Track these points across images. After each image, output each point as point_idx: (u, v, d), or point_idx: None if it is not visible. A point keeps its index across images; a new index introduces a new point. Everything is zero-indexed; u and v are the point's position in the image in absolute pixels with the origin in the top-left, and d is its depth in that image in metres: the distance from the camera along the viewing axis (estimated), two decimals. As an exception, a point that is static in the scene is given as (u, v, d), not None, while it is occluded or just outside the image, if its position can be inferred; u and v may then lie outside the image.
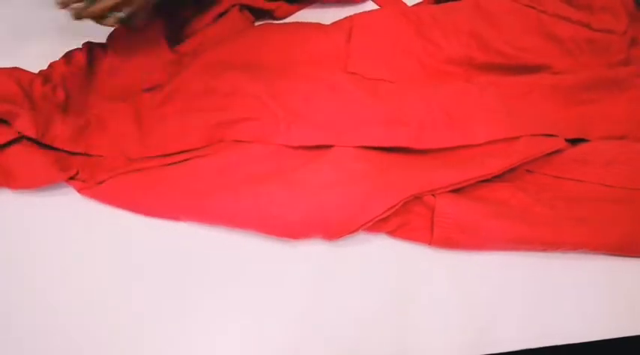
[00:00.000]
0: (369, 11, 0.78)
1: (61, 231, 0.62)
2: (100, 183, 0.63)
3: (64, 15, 0.61)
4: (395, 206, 0.60)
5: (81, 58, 0.70)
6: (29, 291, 0.59)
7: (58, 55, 0.70)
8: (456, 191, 0.62)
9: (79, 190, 0.63)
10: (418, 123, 0.66)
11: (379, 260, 0.61)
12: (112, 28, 0.71)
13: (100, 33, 0.70)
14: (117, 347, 0.56)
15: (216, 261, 0.61)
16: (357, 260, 0.61)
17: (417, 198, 0.61)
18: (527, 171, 0.65)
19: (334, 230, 0.60)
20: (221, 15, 0.77)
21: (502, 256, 0.61)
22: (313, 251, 0.61)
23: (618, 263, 0.61)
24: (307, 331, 0.57)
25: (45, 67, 0.69)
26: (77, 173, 0.63)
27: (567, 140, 0.66)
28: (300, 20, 0.80)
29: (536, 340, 0.57)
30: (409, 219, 0.62)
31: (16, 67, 0.68)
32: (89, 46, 0.71)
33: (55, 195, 0.64)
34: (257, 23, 0.79)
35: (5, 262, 0.61)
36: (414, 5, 0.80)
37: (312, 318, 0.58)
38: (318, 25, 0.77)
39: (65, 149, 0.64)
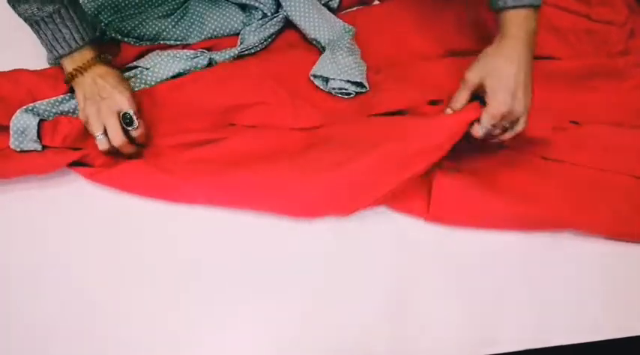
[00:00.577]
0: (372, 5, 0.79)
1: (66, 226, 0.62)
2: (111, 166, 0.63)
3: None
4: (405, 180, 0.59)
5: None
6: (31, 289, 0.58)
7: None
8: (454, 169, 0.63)
9: (89, 176, 0.63)
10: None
11: (379, 263, 0.61)
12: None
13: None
14: (117, 345, 0.56)
15: (219, 262, 0.60)
16: (358, 264, 0.61)
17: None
18: (527, 152, 0.66)
19: (347, 206, 0.60)
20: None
21: (503, 258, 0.61)
22: (313, 252, 0.61)
23: (620, 264, 0.61)
24: (308, 330, 0.57)
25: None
26: (84, 156, 0.63)
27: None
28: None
29: (537, 340, 0.57)
30: (408, 192, 0.62)
31: (17, 69, 0.68)
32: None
33: (59, 190, 0.64)
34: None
35: (7, 260, 0.60)
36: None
37: (314, 318, 0.58)
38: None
39: (75, 147, 0.64)
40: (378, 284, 0.60)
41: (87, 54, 0.63)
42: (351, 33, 0.74)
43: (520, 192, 0.61)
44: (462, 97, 0.61)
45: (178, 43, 0.76)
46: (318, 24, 0.74)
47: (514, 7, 0.58)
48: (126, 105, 0.61)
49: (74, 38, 0.61)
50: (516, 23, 0.58)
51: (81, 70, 0.62)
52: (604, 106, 0.69)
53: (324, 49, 0.73)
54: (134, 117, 0.62)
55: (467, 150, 0.63)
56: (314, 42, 0.75)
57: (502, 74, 0.58)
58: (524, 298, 0.59)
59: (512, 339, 0.57)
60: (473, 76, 0.60)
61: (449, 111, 0.61)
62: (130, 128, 0.62)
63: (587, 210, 0.61)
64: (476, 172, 0.63)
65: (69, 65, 0.63)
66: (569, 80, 0.70)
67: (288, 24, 0.78)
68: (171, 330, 0.57)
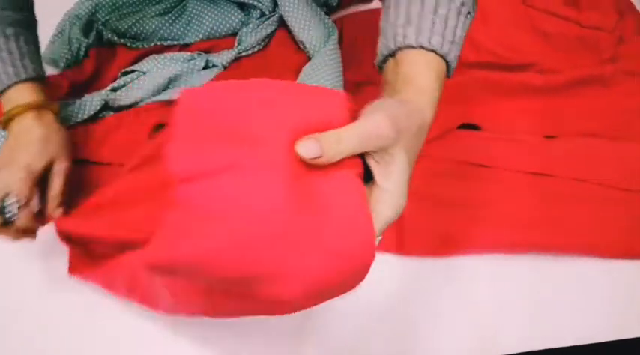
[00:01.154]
0: (358, 11, 0.78)
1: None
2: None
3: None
4: None
5: (88, 67, 0.71)
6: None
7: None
8: (426, 198, 0.61)
9: (71, 270, 0.56)
10: None
11: (380, 265, 0.59)
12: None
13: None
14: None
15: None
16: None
17: None
18: (504, 167, 0.65)
19: None
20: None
21: (505, 260, 0.61)
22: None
23: (622, 265, 0.61)
24: (309, 335, 0.57)
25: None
26: None
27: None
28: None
29: (540, 342, 0.57)
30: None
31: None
32: (96, 52, 0.72)
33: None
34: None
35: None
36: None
37: (314, 323, 0.58)
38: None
39: None
40: (379, 289, 0.59)
41: (22, 96, 0.54)
42: (334, 35, 0.73)
43: (502, 213, 0.62)
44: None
45: (175, 42, 0.76)
46: (307, 26, 0.74)
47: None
48: (11, 188, 0.51)
49: (7, 72, 0.54)
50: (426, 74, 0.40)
51: (10, 116, 0.54)
52: (588, 113, 0.70)
53: (309, 53, 0.73)
54: (9, 207, 0.51)
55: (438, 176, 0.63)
56: (301, 45, 0.75)
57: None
58: (526, 301, 0.59)
59: (512, 341, 0.57)
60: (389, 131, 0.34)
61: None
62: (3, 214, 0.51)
63: (574, 230, 0.61)
64: (450, 197, 0.63)
65: (6, 104, 0.55)
66: (554, 88, 0.70)
67: (282, 22, 0.78)
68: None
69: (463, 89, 0.70)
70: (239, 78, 0.34)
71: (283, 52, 0.75)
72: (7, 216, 0.51)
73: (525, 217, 0.62)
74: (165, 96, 0.70)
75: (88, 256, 0.57)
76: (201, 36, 0.77)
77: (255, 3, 0.77)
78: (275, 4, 0.78)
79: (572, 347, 0.57)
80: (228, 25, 0.77)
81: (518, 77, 0.70)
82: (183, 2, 0.77)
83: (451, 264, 0.61)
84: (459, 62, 0.67)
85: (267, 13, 0.77)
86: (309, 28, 0.74)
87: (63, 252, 0.57)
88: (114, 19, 0.75)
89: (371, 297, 0.59)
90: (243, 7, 0.78)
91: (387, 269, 0.61)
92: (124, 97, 0.69)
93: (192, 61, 0.72)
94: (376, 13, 0.75)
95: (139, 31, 0.75)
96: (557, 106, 0.70)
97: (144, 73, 0.71)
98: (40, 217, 0.55)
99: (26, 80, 0.55)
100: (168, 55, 0.73)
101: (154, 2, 0.77)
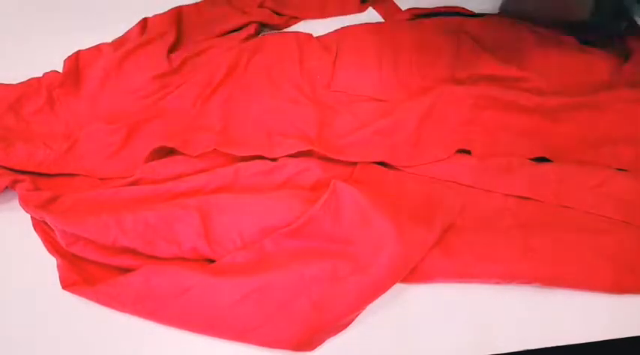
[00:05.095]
0: (354, 26, 0.79)
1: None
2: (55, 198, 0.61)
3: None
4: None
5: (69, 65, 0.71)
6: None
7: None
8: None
9: (67, 286, 0.58)
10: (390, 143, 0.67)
11: None
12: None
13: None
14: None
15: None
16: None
17: None
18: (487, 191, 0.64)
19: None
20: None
21: None
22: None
23: None
24: None
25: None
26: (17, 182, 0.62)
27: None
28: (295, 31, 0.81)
29: (537, 341, 0.57)
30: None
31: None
32: (77, 55, 0.72)
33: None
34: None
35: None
36: (400, 17, 0.82)
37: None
38: (307, 40, 0.78)
39: (50, 173, 0.64)
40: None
41: None
42: None
43: (470, 243, 0.60)
44: None
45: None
46: None
47: None
48: None
49: None
50: None
51: None
52: (580, 139, 0.68)
53: None
54: None
55: None
56: None
57: None
58: (524, 298, 0.59)
59: (511, 339, 0.57)
60: None
61: None
62: None
63: (548, 260, 0.59)
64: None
65: None
66: (548, 110, 0.69)
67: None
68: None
69: (458, 108, 0.69)
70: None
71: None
72: None
73: (503, 246, 0.60)
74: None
75: (77, 269, 0.58)
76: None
77: None
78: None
79: (570, 346, 0.57)
80: None
81: (510, 96, 0.69)
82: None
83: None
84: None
85: None
86: None
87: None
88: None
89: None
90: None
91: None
92: None
93: None
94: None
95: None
96: (549, 129, 0.68)
97: None
98: None
99: None
100: None
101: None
